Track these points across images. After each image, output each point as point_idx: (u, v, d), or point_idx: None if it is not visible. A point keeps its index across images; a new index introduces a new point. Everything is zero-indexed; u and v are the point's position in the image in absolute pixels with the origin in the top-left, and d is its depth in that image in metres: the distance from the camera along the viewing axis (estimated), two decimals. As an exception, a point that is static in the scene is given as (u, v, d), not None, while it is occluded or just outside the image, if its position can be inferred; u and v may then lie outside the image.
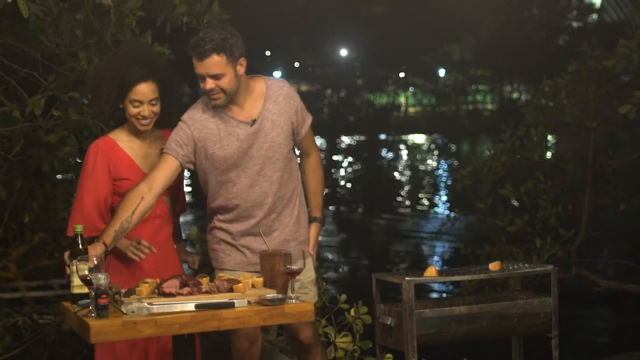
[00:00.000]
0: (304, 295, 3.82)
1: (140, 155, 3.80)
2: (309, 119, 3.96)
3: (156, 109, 3.74)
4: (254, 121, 3.76)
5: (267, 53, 39.43)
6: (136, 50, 3.84)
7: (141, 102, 3.70)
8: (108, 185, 3.72)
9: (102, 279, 3.01)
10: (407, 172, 26.20)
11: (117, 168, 3.73)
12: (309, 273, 3.91)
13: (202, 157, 3.77)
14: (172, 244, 3.91)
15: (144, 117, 3.72)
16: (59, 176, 5.64)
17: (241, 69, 3.69)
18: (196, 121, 3.76)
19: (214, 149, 3.75)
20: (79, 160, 5.01)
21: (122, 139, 3.79)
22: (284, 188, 3.85)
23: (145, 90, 3.69)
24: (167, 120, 3.84)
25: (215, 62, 3.60)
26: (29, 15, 3.92)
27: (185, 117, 3.79)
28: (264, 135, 3.77)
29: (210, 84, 3.64)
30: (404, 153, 33.60)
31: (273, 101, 3.81)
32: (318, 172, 4.04)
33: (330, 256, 12.71)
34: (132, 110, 3.71)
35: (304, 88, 43.90)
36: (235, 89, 3.70)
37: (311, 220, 4.02)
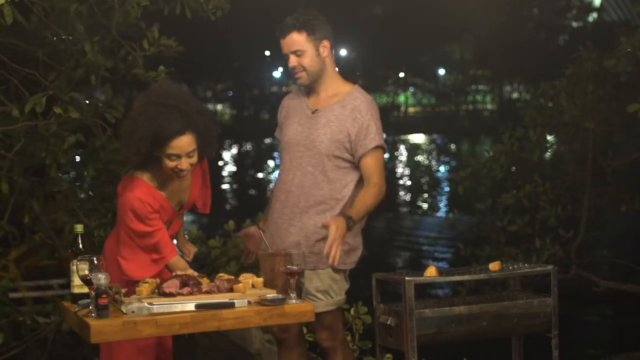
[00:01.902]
0: (313, 302, 3.76)
1: (173, 195, 3.66)
2: (371, 143, 3.83)
3: (194, 160, 3.50)
4: (315, 111, 3.93)
5: (267, 53, 39.37)
6: (169, 96, 3.50)
7: (179, 156, 3.46)
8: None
9: (102, 279, 3.01)
10: (407, 172, 26.19)
11: (160, 214, 3.59)
12: (315, 283, 3.87)
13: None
14: None
15: (182, 170, 3.49)
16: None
17: (324, 51, 3.91)
18: (285, 100, 4.14)
19: (283, 126, 4.06)
20: (82, 151, 5.02)
21: (155, 185, 3.58)
22: (314, 187, 3.86)
23: (182, 143, 3.44)
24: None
25: (294, 39, 3.87)
26: (29, 14, 3.91)
27: (284, 99, 4.17)
28: (315, 128, 3.90)
29: (292, 61, 3.89)
30: (404, 153, 33.59)
31: (342, 105, 3.90)
32: (367, 194, 3.81)
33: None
34: (169, 163, 3.47)
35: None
36: (317, 69, 3.91)
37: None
